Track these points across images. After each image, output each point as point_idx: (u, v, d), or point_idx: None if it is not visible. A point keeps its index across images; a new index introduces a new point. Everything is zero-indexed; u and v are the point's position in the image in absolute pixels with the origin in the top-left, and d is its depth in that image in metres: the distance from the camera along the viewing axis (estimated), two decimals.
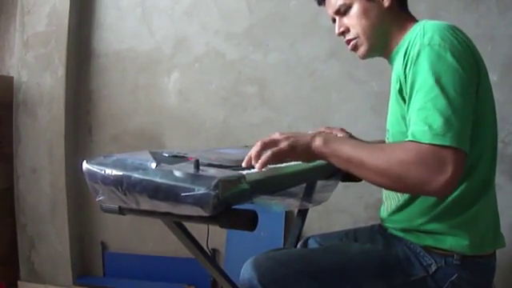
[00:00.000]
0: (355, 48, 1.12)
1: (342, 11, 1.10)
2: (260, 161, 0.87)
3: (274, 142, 0.90)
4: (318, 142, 0.90)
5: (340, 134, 1.27)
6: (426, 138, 0.83)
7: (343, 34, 1.12)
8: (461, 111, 0.85)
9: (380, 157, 0.86)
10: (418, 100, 0.87)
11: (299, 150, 0.90)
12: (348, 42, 1.12)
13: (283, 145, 0.89)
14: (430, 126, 0.83)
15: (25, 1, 2.25)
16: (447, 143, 0.82)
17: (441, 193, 0.84)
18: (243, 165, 0.91)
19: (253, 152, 0.90)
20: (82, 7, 2.31)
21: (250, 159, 0.90)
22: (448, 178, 0.81)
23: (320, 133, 0.98)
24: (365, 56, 1.12)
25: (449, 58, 0.88)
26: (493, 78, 1.07)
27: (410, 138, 0.86)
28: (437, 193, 0.84)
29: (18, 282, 2.30)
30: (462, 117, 0.84)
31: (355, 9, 1.08)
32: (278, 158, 0.89)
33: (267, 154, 0.88)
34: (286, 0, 2.10)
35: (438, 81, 0.86)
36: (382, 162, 0.85)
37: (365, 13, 1.07)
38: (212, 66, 2.20)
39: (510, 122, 1.88)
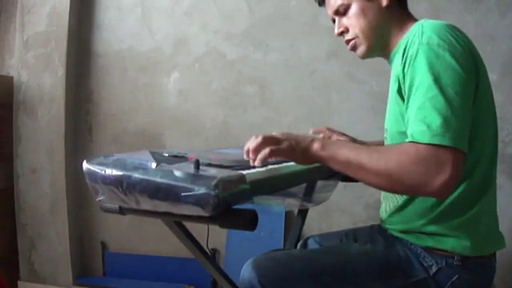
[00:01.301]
0: (354, 48, 1.12)
1: (341, 11, 1.10)
2: (259, 157, 0.87)
3: (275, 141, 0.89)
4: (316, 146, 0.90)
5: (341, 138, 1.27)
6: (424, 138, 0.82)
7: (342, 34, 1.12)
8: (459, 111, 0.84)
9: (378, 159, 0.85)
10: (416, 99, 0.87)
11: (298, 152, 0.90)
12: (347, 42, 1.12)
13: (284, 145, 0.89)
14: (429, 126, 0.82)
15: (25, 1, 2.25)
16: (446, 143, 0.81)
17: (440, 193, 0.83)
18: (244, 157, 0.90)
19: (252, 145, 0.89)
20: (82, 7, 2.31)
21: (248, 152, 0.89)
22: (447, 178, 0.80)
23: (322, 136, 0.97)
24: (364, 56, 1.12)
25: (447, 57, 0.87)
26: (493, 77, 1.07)
27: (409, 138, 0.85)
28: (436, 193, 0.83)
29: (18, 282, 2.29)
30: (460, 117, 0.84)
31: (354, 9, 1.07)
32: (275, 156, 0.88)
33: (265, 150, 0.87)
34: (285, 0, 2.10)
35: (436, 80, 0.85)
36: (380, 164, 0.85)
37: (363, 13, 1.06)
38: (212, 65, 2.20)
39: (510, 122, 1.88)
